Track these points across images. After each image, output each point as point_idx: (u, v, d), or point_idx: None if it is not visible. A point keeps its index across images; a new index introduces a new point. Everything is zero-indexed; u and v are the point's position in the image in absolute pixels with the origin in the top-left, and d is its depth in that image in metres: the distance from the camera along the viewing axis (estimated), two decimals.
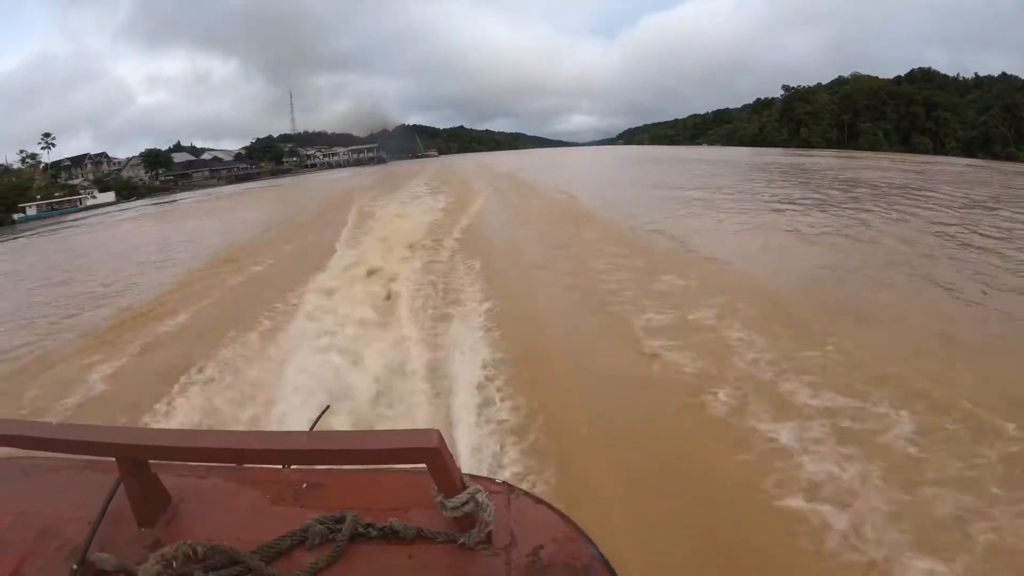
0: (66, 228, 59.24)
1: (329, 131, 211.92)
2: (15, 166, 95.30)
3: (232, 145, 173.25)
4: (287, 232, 28.58)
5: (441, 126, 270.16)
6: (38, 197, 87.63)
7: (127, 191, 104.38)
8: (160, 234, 38.74)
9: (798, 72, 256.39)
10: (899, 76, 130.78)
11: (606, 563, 1.64)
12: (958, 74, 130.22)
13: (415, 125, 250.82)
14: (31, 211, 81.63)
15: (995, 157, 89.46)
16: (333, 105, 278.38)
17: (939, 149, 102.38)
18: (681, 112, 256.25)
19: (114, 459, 1.80)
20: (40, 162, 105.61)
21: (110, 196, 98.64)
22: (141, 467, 1.75)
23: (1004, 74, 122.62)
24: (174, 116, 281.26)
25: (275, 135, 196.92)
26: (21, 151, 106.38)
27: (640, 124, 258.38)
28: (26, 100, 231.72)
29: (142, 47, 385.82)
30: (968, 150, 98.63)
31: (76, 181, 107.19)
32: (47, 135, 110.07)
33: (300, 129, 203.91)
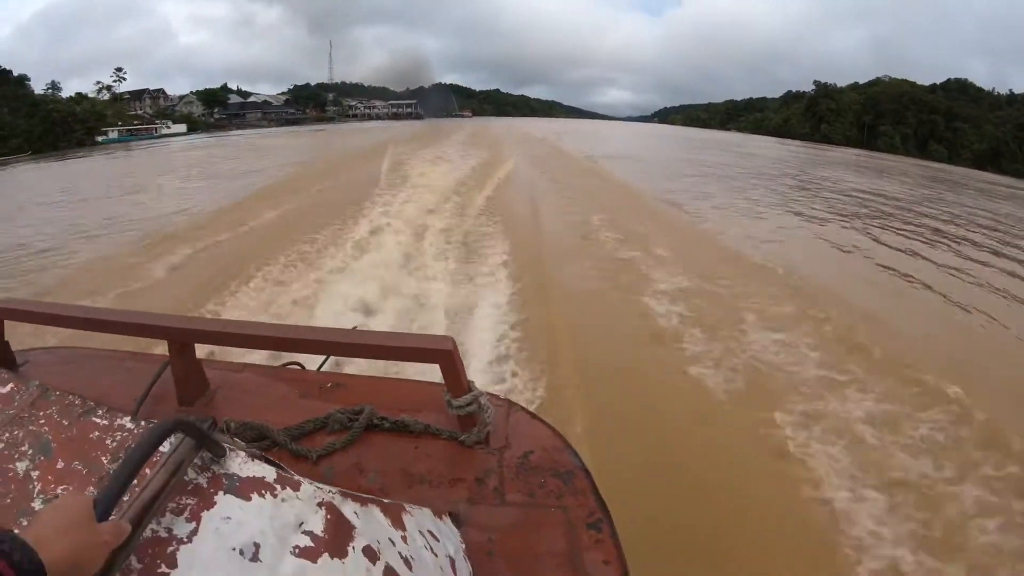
0: (157, 147, 71.77)
1: (366, 83, 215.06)
2: (91, 94, 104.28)
3: (269, 89, 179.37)
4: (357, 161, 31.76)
5: (477, 88, 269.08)
6: (119, 123, 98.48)
7: (191, 124, 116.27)
8: (245, 156, 46.44)
9: (838, 67, 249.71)
10: (934, 84, 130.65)
11: (585, 471, 1.89)
12: (994, 88, 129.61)
13: (451, 84, 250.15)
14: (112, 134, 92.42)
15: (1002, 172, 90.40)
16: (371, 57, 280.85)
17: (953, 158, 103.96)
18: (717, 95, 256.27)
19: (158, 349, 2.20)
20: (114, 92, 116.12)
21: (183, 127, 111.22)
22: (187, 350, 2.02)
23: None
24: (214, 56, 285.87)
25: (312, 83, 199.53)
26: (97, 82, 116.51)
27: (676, 104, 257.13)
28: (70, 30, 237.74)
29: None
30: (978, 162, 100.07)
31: (139, 112, 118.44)
32: (119, 69, 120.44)
33: (338, 79, 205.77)
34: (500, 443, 1.96)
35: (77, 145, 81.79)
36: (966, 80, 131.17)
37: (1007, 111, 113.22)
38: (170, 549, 0.93)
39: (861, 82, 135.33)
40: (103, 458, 1.09)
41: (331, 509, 1.10)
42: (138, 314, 2.11)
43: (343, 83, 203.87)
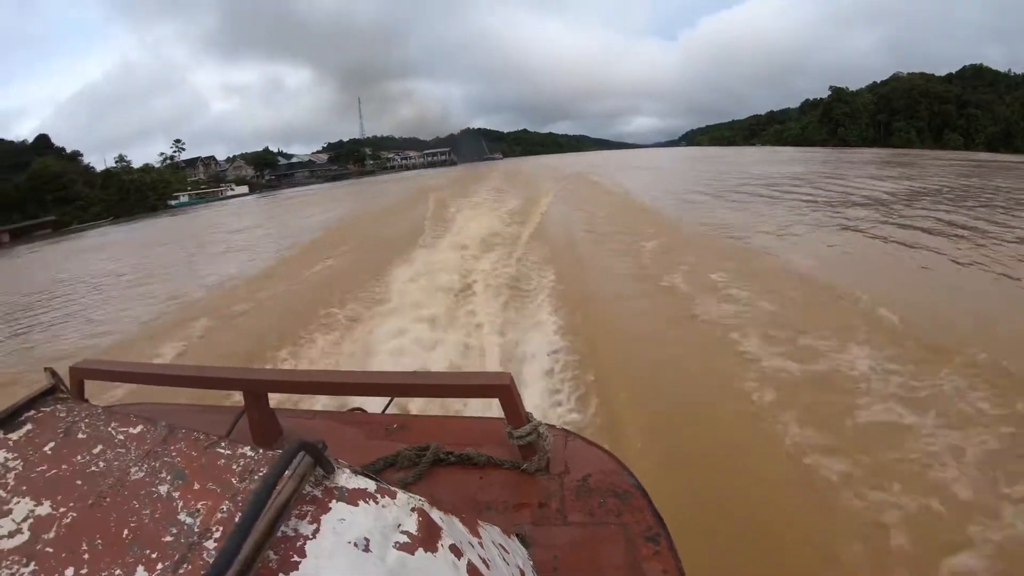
0: (222, 207, 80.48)
1: (396, 135, 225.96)
2: (155, 164, 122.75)
3: (302, 148, 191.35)
4: (398, 208, 34.39)
5: (505, 129, 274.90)
6: (189, 188, 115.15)
7: (249, 187, 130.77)
8: (305, 210, 51.38)
9: (857, 70, 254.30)
10: (950, 73, 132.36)
11: (642, 489, 1.96)
12: (1009, 70, 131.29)
13: (479, 129, 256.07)
14: (183, 198, 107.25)
15: (1016, 151, 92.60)
16: (400, 110, 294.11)
17: (969, 145, 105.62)
18: (743, 111, 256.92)
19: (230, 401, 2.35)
20: (175, 161, 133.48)
21: (245, 189, 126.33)
22: (261, 400, 2.15)
23: None
24: (246, 121, 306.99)
25: (345, 139, 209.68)
26: (161, 153, 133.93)
27: (702, 125, 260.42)
28: (110, 107, 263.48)
29: (219, 57, 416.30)
30: (991, 145, 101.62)
31: (195, 177, 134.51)
32: (178, 141, 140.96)
33: (369, 134, 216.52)
34: (560, 469, 2.08)
35: (151, 210, 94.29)
36: (981, 65, 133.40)
37: (1022, 90, 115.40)
38: (299, 544, 1.14)
39: (881, 80, 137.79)
40: (232, 479, 1.29)
41: (422, 513, 1.31)
42: (212, 368, 2.30)
43: (374, 137, 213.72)
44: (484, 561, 1.38)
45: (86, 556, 1.11)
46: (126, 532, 1.15)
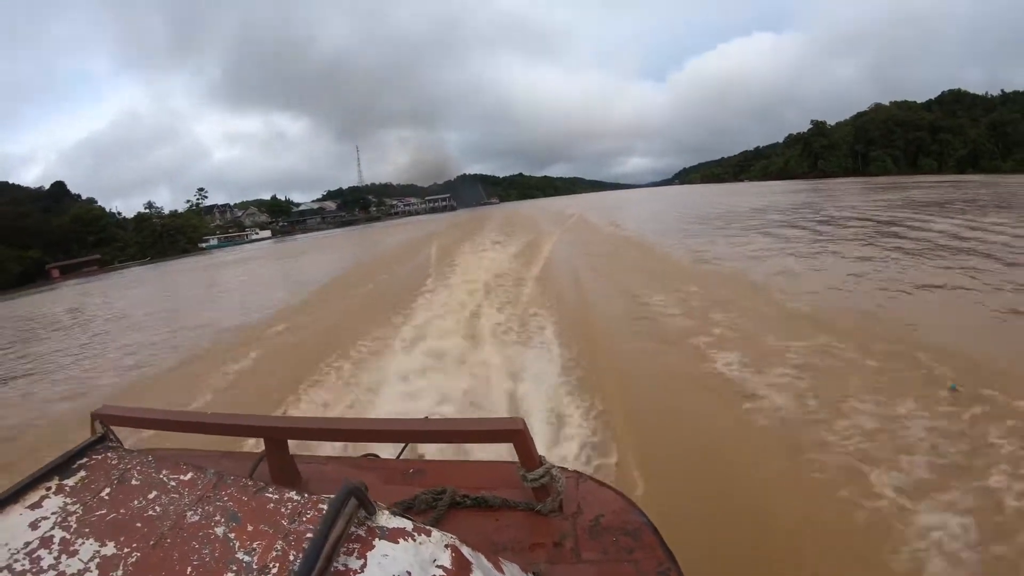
0: (260, 247, 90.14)
1: (394, 183, 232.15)
2: (181, 210, 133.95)
3: (301, 195, 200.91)
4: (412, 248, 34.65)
5: (500, 174, 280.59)
6: (217, 232, 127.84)
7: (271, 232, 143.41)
8: (333, 250, 54.44)
9: (842, 100, 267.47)
10: (929, 100, 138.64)
11: (653, 527, 2.02)
12: (987, 92, 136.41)
13: (476, 174, 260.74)
14: (212, 241, 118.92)
15: (983, 171, 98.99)
16: (397, 158, 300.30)
17: (943, 168, 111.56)
18: (735, 146, 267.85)
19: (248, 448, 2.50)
20: (200, 207, 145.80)
21: (267, 233, 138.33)
22: (281, 446, 2.23)
23: None
24: (246, 169, 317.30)
25: (344, 187, 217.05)
26: (188, 200, 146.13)
27: (695, 163, 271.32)
28: (115, 154, 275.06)
29: (222, 107, 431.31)
30: (961, 167, 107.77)
31: (212, 223, 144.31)
32: (201, 189, 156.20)
33: (367, 181, 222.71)
34: (572, 509, 2.12)
35: (182, 252, 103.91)
36: (959, 89, 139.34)
37: (1000, 111, 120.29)
38: None
39: (864, 110, 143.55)
40: (283, 521, 1.39)
41: (455, 550, 1.41)
42: (233, 416, 2.33)
43: (372, 184, 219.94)
44: None
45: None
46: (189, 570, 1.29)
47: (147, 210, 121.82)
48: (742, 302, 12.31)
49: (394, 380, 9.70)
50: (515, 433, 2.03)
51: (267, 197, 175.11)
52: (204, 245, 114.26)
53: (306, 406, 8.92)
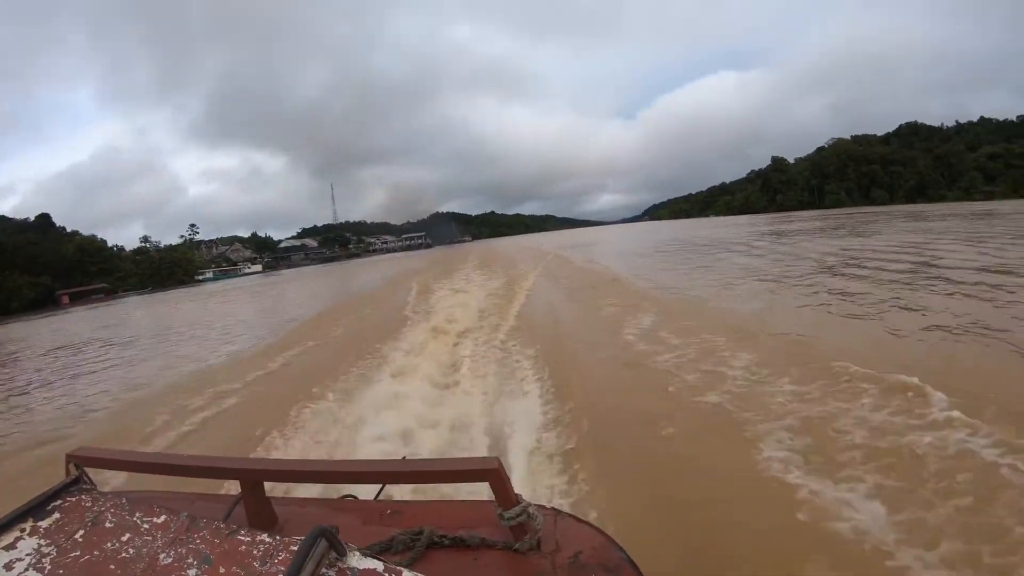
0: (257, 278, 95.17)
1: (368, 221, 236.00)
2: (175, 243, 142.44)
3: (277, 233, 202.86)
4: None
5: (473, 212, 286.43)
6: (213, 266, 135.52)
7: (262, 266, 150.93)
8: (319, 283, 58.21)
9: (807, 135, 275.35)
10: (888, 133, 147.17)
11: (632, 563, 1.99)
12: (942, 124, 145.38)
13: (449, 212, 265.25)
14: (209, 274, 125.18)
15: (930, 200, 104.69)
16: (371, 196, 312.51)
17: (894, 199, 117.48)
18: (703, 182, 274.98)
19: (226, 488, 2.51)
20: (192, 242, 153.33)
21: (259, 267, 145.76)
22: (257, 488, 2.20)
23: (982, 118, 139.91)
24: (222, 206, 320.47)
25: (319, 224, 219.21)
26: (181, 235, 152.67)
27: (664, 198, 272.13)
28: (92, 187, 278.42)
29: (200, 144, 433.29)
30: (910, 197, 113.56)
31: (206, 258, 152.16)
32: (193, 225, 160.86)
33: (341, 218, 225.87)
34: (551, 547, 2.08)
35: (179, 283, 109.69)
36: (916, 122, 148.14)
37: (954, 141, 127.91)
38: None
39: (826, 145, 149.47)
40: (254, 563, 1.40)
41: None
42: (209, 458, 2.34)
43: (347, 222, 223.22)
44: None
45: None
46: None
47: (144, 244, 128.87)
48: (645, 299, 16.57)
49: (389, 398, 10.05)
50: (490, 472, 2.04)
51: (242, 232, 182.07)
52: (200, 278, 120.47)
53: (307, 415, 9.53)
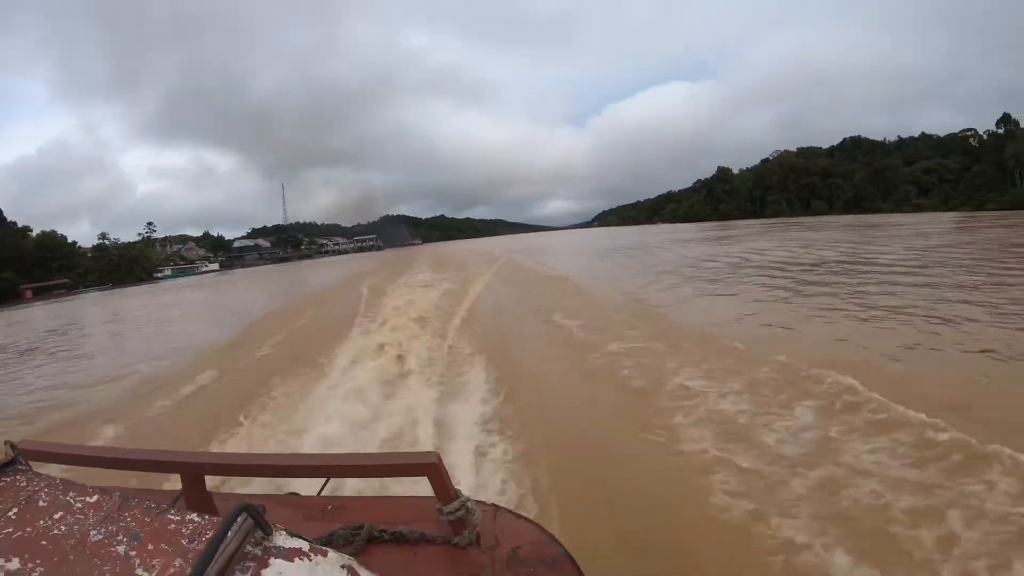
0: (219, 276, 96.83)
1: (319, 222, 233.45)
2: (132, 240, 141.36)
3: (227, 233, 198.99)
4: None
5: (423, 215, 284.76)
6: (171, 264, 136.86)
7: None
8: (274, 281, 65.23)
9: (756, 145, 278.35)
10: (833, 146, 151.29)
11: (570, 557, 2.05)
12: (884, 138, 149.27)
13: (400, 215, 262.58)
14: (167, 271, 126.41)
15: (865, 211, 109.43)
16: (322, 197, 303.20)
17: (832, 209, 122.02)
18: (653, 190, 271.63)
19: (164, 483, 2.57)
20: (150, 240, 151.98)
21: (215, 266, 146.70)
22: (198, 483, 2.20)
23: (923, 133, 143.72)
24: (172, 203, 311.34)
25: (268, 224, 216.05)
26: (140, 233, 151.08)
27: (614, 205, 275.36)
28: (41, 182, 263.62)
29: (151, 141, 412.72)
30: (846, 208, 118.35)
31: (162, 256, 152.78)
32: (150, 223, 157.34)
33: (291, 219, 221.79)
34: (490, 542, 2.14)
35: (138, 280, 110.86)
36: (859, 136, 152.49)
37: (895, 155, 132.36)
38: None
39: (772, 157, 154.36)
40: (183, 540, 1.40)
41: (351, 571, 1.45)
42: (151, 452, 2.31)
43: (297, 223, 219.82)
44: None
45: None
46: None
47: (103, 240, 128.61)
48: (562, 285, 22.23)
49: (344, 377, 10.71)
50: (430, 467, 2.05)
51: (191, 231, 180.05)
52: (159, 275, 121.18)
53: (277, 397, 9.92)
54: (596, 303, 17.39)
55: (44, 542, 1.44)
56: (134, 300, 56.05)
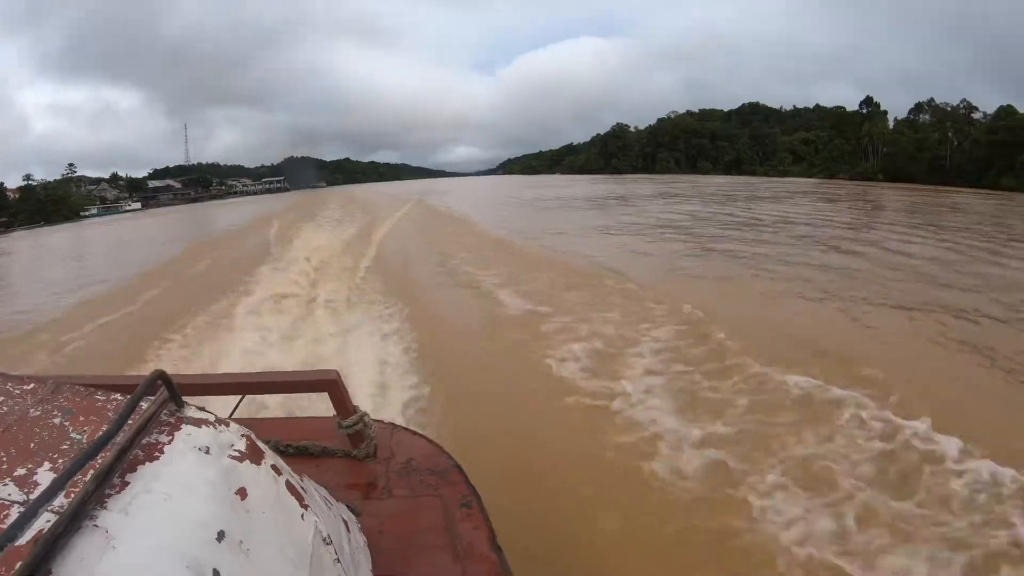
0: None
1: (222, 163, 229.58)
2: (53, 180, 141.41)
3: (129, 171, 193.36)
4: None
5: (328, 158, 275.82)
6: (98, 202, 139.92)
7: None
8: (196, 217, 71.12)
9: (661, 103, 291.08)
10: (731, 110, 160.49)
11: (458, 467, 2.31)
12: (780, 106, 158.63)
13: (303, 157, 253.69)
14: (93, 211, 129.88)
15: (742, 173, 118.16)
16: (225, 136, 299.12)
17: (716, 170, 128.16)
18: (557, 141, 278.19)
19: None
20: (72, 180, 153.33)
21: (138, 205, 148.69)
22: None
23: (817, 105, 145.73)
24: (69, 142, 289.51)
25: (170, 165, 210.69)
26: (63, 173, 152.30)
27: (519, 154, 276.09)
28: None
29: (53, 77, 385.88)
30: (728, 170, 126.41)
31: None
32: (71, 164, 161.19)
33: (194, 160, 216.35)
34: (386, 455, 2.38)
35: (64, 219, 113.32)
36: (757, 103, 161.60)
37: (788, 124, 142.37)
38: (160, 445, 1.47)
39: (672, 115, 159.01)
40: (110, 412, 1.57)
41: (249, 439, 1.64)
42: (78, 377, 2.31)
43: (199, 164, 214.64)
44: (302, 487, 1.77)
45: (5, 460, 1.39)
46: (33, 444, 1.46)
47: (29, 182, 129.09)
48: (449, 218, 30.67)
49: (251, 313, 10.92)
50: (329, 383, 2.27)
51: (89, 171, 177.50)
52: (85, 214, 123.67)
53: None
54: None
55: None
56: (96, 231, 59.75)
